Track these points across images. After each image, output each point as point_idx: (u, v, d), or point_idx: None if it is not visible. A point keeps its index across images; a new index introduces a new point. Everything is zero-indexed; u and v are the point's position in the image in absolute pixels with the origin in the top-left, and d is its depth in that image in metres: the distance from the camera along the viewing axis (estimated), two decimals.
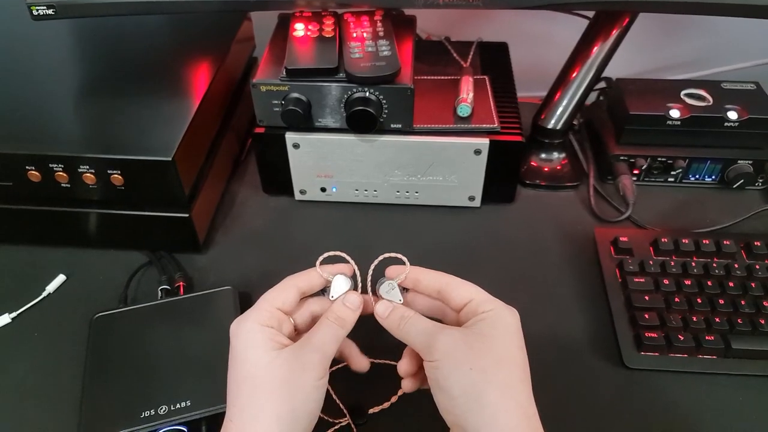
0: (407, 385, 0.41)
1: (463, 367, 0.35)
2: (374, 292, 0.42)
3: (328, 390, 0.39)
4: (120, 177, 0.51)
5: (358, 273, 0.42)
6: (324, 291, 0.42)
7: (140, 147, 0.51)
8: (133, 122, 0.54)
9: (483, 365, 0.35)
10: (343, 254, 0.42)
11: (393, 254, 0.42)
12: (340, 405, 0.45)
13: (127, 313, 0.50)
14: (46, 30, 0.65)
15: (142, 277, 0.56)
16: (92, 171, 0.51)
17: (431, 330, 0.37)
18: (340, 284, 0.41)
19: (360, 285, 0.42)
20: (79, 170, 0.51)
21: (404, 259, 0.42)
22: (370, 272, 0.42)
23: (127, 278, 0.55)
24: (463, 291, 0.39)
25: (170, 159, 0.50)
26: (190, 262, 0.57)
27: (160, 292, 0.53)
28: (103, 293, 0.54)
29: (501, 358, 0.36)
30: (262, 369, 0.36)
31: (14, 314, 0.53)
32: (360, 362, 0.43)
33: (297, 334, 0.41)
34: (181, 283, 0.53)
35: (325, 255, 0.42)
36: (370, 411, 0.45)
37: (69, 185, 0.52)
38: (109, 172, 0.51)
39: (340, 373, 0.45)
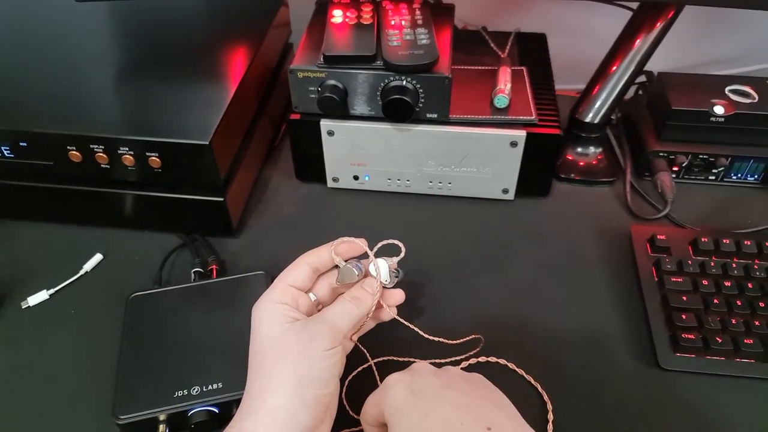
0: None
1: None
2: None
3: (342, 402, 0.40)
4: (158, 159, 0.52)
5: (372, 257, 0.43)
6: (337, 267, 0.43)
7: (178, 130, 0.51)
8: (172, 106, 0.54)
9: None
10: (360, 240, 0.43)
11: (392, 241, 0.43)
12: (354, 416, 0.45)
13: (161, 294, 0.51)
14: (88, 14, 0.65)
15: (176, 259, 0.56)
16: (131, 153, 0.52)
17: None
18: (347, 272, 0.42)
19: (375, 263, 0.43)
20: (119, 152, 0.52)
21: (401, 246, 0.43)
22: (371, 257, 0.42)
23: (161, 260, 0.55)
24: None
25: (207, 143, 0.50)
26: (223, 245, 0.57)
27: (193, 275, 0.53)
28: (139, 274, 0.55)
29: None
30: (271, 340, 0.38)
31: (52, 291, 0.54)
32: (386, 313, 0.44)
33: (320, 309, 0.42)
34: (214, 267, 0.54)
35: (342, 240, 0.43)
36: None
37: (108, 166, 0.53)
38: (147, 154, 0.52)
39: (355, 385, 0.46)
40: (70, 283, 0.55)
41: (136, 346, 0.47)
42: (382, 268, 0.42)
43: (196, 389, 0.44)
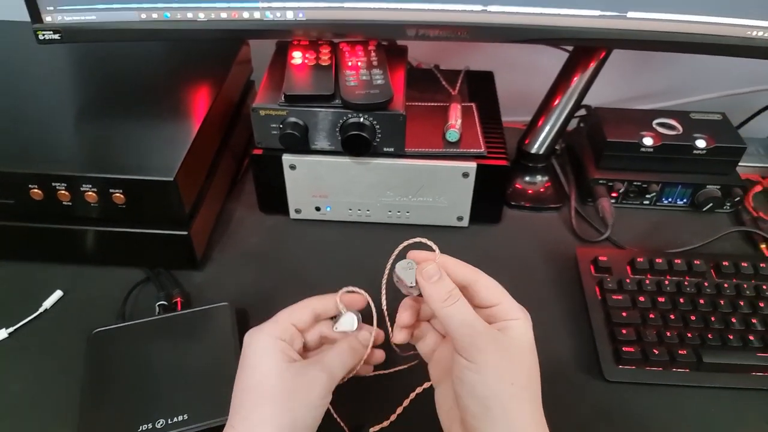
0: (399, 336, 0.41)
1: (505, 380, 0.35)
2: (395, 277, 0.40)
3: (328, 409, 0.41)
4: (122, 196, 0.53)
5: (374, 308, 0.44)
6: (334, 318, 0.45)
7: (143, 167, 0.53)
8: (136, 143, 0.55)
9: (521, 382, 0.35)
10: (363, 291, 0.45)
11: (422, 239, 0.40)
12: (341, 423, 0.46)
13: (124, 328, 0.51)
14: (51, 54, 0.66)
15: (139, 293, 0.57)
16: (95, 190, 0.52)
17: (478, 326, 0.35)
18: (348, 320, 0.44)
19: (375, 318, 0.44)
20: (82, 189, 0.52)
21: (434, 246, 0.40)
22: (393, 257, 0.41)
23: (124, 295, 0.56)
24: (493, 291, 0.38)
25: (172, 179, 0.52)
26: (188, 278, 0.58)
27: (157, 308, 0.54)
28: (102, 309, 0.55)
29: (531, 375, 0.36)
30: (271, 378, 0.37)
31: (11, 329, 0.53)
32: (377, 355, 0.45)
33: (304, 352, 0.43)
34: (179, 299, 0.55)
35: (347, 289, 0.45)
36: (371, 430, 0.46)
37: (70, 203, 0.54)
38: (111, 191, 0.53)
39: (339, 391, 0.47)
40: (31, 321, 0.54)
41: (99, 383, 0.47)
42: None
43: (161, 422, 0.44)
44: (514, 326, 0.37)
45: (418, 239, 0.40)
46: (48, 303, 0.56)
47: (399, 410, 0.45)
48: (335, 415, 0.46)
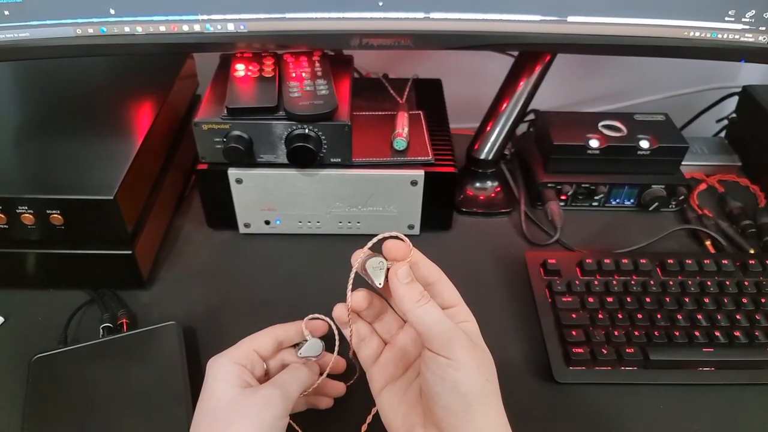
0: (357, 298, 0.40)
1: (482, 376, 0.36)
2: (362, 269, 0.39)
3: (292, 426, 0.41)
4: (60, 217, 0.51)
5: (336, 332, 0.44)
6: (297, 345, 0.45)
7: (81, 186, 0.51)
8: (74, 162, 0.54)
9: (493, 379, 0.37)
10: (327, 318, 0.45)
11: (394, 233, 0.39)
12: None
13: (67, 353, 0.50)
14: None
15: (83, 316, 0.55)
16: (31, 212, 0.51)
17: (451, 324, 0.36)
18: (312, 346, 0.44)
19: (337, 345, 0.44)
20: (18, 211, 0.51)
21: (407, 240, 0.39)
22: (364, 251, 0.40)
23: (67, 318, 0.54)
24: (452, 293, 0.40)
25: (112, 198, 0.50)
26: (135, 298, 0.57)
27: (102, 330, 0.53)
28: (44, 334, 0.53)
29: (493, 370, 0.38)
30: (224, 401, 0.38)
31: None
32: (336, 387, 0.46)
33: (267, 379, 0.43)
34: (125, 320, 0.53)
35: (312, 316, 0.45)
36: None
37: (6, 226, 0.52)
38: (48, 212, 0.51)
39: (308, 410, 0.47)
40: None
41: (40, 410, 0.46)
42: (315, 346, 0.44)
43: None
44: (470, 328, 0.39)
45: (394, 233, 0.39)
46: None
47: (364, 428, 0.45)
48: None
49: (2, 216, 0.51)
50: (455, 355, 0.35)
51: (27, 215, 0.51)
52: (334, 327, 0.44)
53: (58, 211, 0.51)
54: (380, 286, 0.38)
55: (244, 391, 0.38)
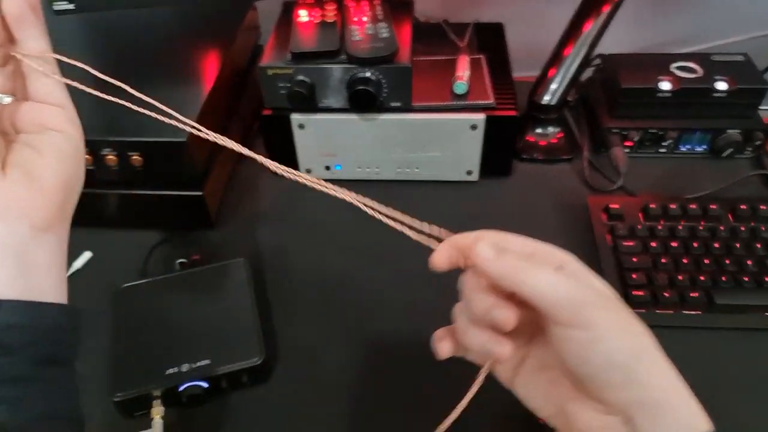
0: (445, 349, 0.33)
1: (630, 330, 0.29)
2: None
3: None
4: (140, 158, 0.55)
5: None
6: None
7: (157, 130, 0.54)
8: (149, 108, 0.57)
9: (635, 324, 0.30)
10: None
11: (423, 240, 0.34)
12: None
13: (148, 284, 0.54)
14: (64, 23, 0.68)
15: (159, 253, 0.59)
16: (115, 153, 0.55)
17: (574, 284, 0.29)
18: None
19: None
20: (102, 153, 0.55)
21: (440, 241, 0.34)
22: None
23: (146, 254, 0.59)
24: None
25: (185, 140, 0.53)
26: (204, 238, 0.61)
27: (177, 265, 0.57)
28: (125, 269, 0.57)
29: (628, 310, 0.31)
30: None
31: None
32: None
33: None
34: (197, 257, 0.57)
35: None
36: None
37: (93, 167, 0.56)
38: (129, 153, 0.55)
39: None
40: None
41: (127, 333, 0.50)
42: None
43: (186, 366, 0.47)
44: (575, 270, 0.32)
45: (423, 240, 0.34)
46: (78, 264, 0.59)
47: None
48: None
49: (90, 157, 0.55)
50: (593, 322, 0.28)
51: (111, 156, 0.55)
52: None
53: (138, 153, 0.55)
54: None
55: None
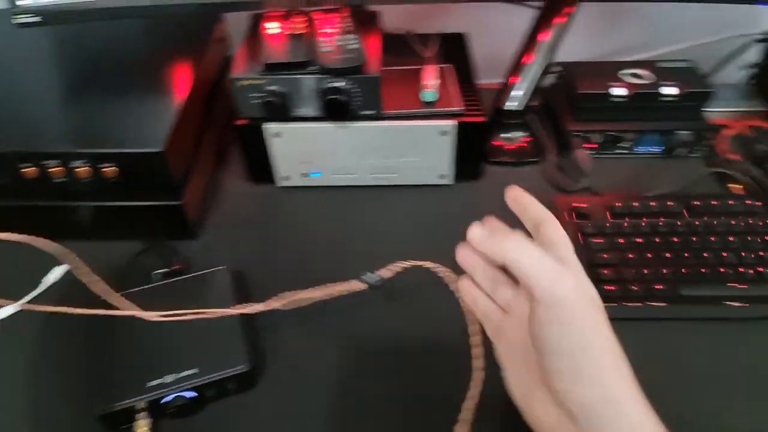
0: None
1: (584, 329, 0.32)
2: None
3: None
4: (115, 169, 0.54)
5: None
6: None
7: (132, 140, 0.54)
8: (123, 119, 0.57)
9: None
10: None
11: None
12: None
13: (130, 295, 0.53)
14: (30, 36, 0.67)
15: (140, 263, 0.59)
16: (88, 165, 0.54)
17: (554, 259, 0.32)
18: None
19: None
20: (75, 165, 0.54)
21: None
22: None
23: (124, 265, 0.58)
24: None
25: (161, 150, 0.53)
26: (183, 248, 0.60)
27: (159, 275, 0.56)
28: (106, 280, 0.56)
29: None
30: None
31: (20, 302, 0.55)
32: None
33: None
34: (179, 266, 0.57)
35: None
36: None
37: (65, 179, 0.55)
38: (103, 165, 0.54)
39: None
40: (39, 294, 0.56)
41: (110, 345, 0.49)
42: None
43: (170, 377, 0.46)
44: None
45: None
46: (53, 277, 0.57)
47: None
48: None
49: (61, 169, 0.54)
50: (560, 305, 0.31)
51: (84, 168, 0.54)
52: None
53: (113, 164, 0.54)
54: None
55: None
